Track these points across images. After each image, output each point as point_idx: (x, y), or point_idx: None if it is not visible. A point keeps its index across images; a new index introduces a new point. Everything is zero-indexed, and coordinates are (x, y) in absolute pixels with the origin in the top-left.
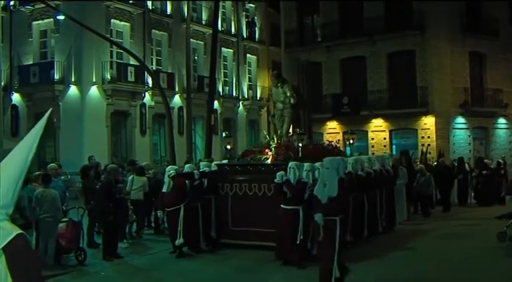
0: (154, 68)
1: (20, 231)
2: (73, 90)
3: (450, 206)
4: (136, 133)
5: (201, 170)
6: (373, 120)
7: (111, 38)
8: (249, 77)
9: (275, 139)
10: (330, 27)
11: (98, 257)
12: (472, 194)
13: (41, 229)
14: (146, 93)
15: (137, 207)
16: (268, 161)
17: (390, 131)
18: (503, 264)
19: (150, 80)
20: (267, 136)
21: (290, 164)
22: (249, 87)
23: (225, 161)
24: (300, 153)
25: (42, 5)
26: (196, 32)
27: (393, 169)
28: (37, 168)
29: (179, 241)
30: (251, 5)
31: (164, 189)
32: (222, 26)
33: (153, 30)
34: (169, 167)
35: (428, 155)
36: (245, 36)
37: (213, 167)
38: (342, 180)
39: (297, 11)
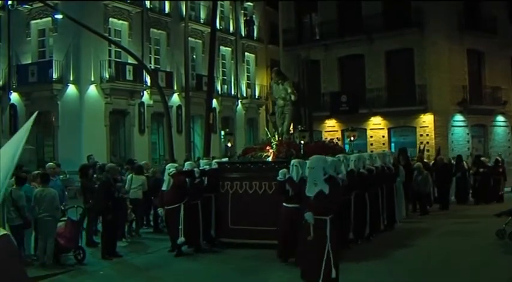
0: (152, 67)
1: (4, 232)
2: (71, 89)
3: (449, 204)
4: (135, 132)
5: (201, 168)
6: (372, 118)
7: (110, 37)
8: (247, 75)
9: (276, 136)
10: (328, 25)
11: (97, 256)
12: (471, 192)
13: (40, 228)
14: (145, 92)
15: (136, 206)
16: (269, 159)
17: (389, 129)
18: (503, 261)
19: (148, 79)
20: (268, 133)
21: (293, 161)
22: (248, 86)
23: (226, 159)
24: (302, 150)
25: (40, 4)
26: (194, 30)
27: (394, 166)
28: (36, 167)
29: (181, 240)
30: (249, 3)
31: (164, 188)
32: (220, 25)
33: (151, 29)
34: (170, 164)
35: (427, 153)
36: (243, 34)
37: (214, 165)
38: (333, 178)
39: (295, 9)
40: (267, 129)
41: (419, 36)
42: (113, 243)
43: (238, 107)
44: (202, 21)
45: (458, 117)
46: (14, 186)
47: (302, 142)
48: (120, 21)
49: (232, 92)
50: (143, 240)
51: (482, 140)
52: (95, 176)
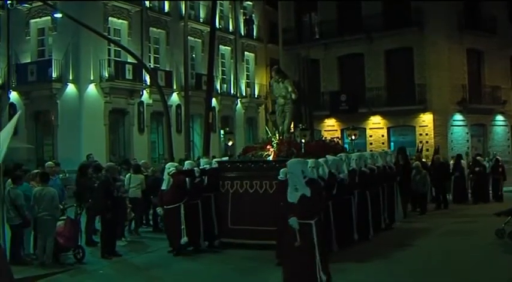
0: (152, 66)
1: None
2: (71, 88)
3: (447, 204)
4: (135, 131)
5: (201, 167)
6: (371, 118)
7: (109, 36)
8: (247, 74)
9: (277, 135)
10: (328, 24)
11: (97, 255)
12: (469, 191)
13: (39, 227)
14: (144, 91)
15: (135, 205)
16: (270, 158)
17: (388, 128)
18: (503, 261)
19: (148, 78)
20: (268, 132)
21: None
22: (247, 85)
23: (226, 158)
24: (303, 149)
25: (40, 3)
26: (194, 29)
27: (395, 165)
28: (35, 166)
29: (184, 240)
30: (249, 2)
31: (163, 187)
32: (219, 24)
33: (150, 28)
34: (170, 164)
35: (426, 152)
36: (243, 33)
37: (214, 164)
38: (313, 180)
39: (294, 8)
40: (267, 127)
41: (419, 35)
42: (112, 243)
43: (237, 106)
44: (201, 20)
45: (458, 117)
46: (12, 186)
47: (303, 141)
48: (120, 20)
49: (232, 91)
50: (143, 239)
51: (482, 140)
52: (89, 173)
